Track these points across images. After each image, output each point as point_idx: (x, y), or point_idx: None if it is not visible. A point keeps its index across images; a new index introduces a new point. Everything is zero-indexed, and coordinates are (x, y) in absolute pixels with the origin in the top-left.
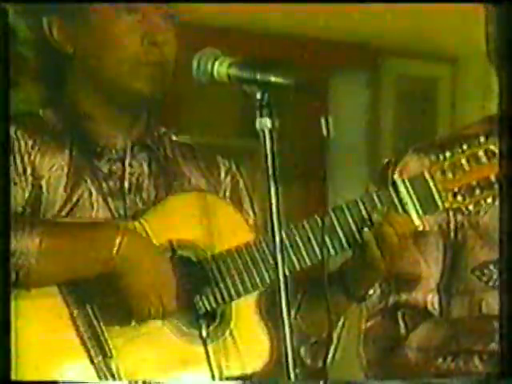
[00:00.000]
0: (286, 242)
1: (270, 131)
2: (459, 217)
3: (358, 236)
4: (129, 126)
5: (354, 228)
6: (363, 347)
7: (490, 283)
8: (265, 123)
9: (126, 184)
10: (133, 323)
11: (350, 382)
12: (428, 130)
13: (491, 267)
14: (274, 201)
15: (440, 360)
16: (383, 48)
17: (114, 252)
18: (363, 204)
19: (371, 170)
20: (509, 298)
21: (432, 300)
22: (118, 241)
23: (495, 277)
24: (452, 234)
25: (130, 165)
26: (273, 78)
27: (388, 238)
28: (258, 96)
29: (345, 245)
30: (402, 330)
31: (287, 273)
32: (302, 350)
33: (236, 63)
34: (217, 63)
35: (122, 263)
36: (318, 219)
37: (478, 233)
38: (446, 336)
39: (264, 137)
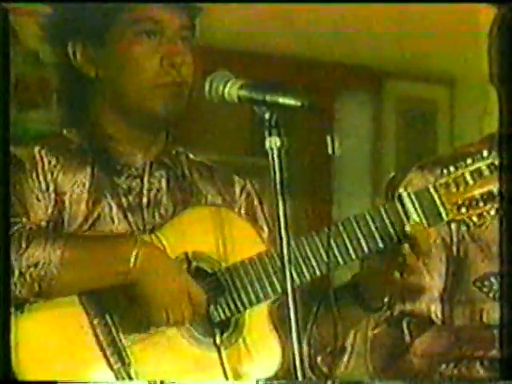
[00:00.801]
0: (297, 253)
1: (279, 149)
2: (461, 231)
3: (366, 249)
4: (147, 144)
5: (362, 240)
6: (370, 354)
7: (491, 294)
8: (274, 142)
9: (145, 200)
10: (151, 330)
11: (357, 383)
12: (428, 147)
13: (492, 279)
14: (281, 215)
15: (443, 366)
16: (385, 70)
17: (132, 264)
18: (371, 217)
19: (374, 185)
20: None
21: (435, 309)
22: (135, 253)
23: (495, 288)
24: (454, 248)
25: (149, 181)
26: (281, 99)
27: (404, 250)
28: (267, 116)
29: (353, 256)
30: (407, 338)
31: (298, 282)
32: (319, 359)
33: (246, 85)
34: (228, 85)
35: (139, 274)
36: (327, 231)
37: (478, 246)
38: (448, 343)
39: (273, 155)
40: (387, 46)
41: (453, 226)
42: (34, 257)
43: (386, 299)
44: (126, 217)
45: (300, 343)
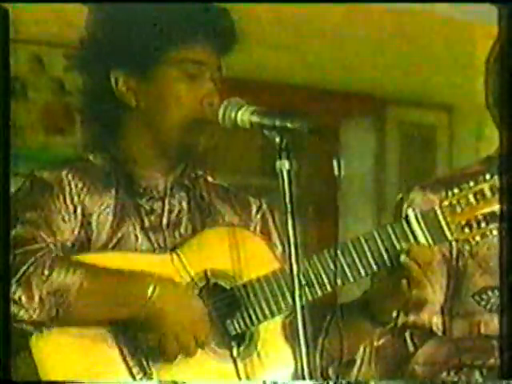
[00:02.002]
0: (309, 270)
1: (288, 171)
2: (460, 247)
3: (375, 266)
4: (169, 168)
5: (370, 258)
6: (375, 362)
7: (488, 307)
8: (283, 164)
9: (165, 220)
10: (164, 359)
11: (359, 382)
12: (428, 169)
13: (489, 293)
14: (291, 233)
15: (444, 374)
16: (387, 98)
17: (148, 297)
18: (379, 235)
19: (378, 204)
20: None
21: (436, 321)
22: (152, 287)
23: (493, 301)
24: (454, 263)
25: (169, 203)
26: (290, 125)
27: (411, 267)
28: (277, 140)
29: (362, 274)
30: (411, 348)
31: (309, 298)
32: (330, 371)
33: (257, 111)
34: (240, 111)
35: (154, 309)
36: (338, 249)
37: (477, 261)
38: (449, 353)
39: (283, 176)
40: (390, 75)
41: (453, 242)
42: (54, 284)
43: (394, 314)
44: (148, 236)
45: (309, 355)
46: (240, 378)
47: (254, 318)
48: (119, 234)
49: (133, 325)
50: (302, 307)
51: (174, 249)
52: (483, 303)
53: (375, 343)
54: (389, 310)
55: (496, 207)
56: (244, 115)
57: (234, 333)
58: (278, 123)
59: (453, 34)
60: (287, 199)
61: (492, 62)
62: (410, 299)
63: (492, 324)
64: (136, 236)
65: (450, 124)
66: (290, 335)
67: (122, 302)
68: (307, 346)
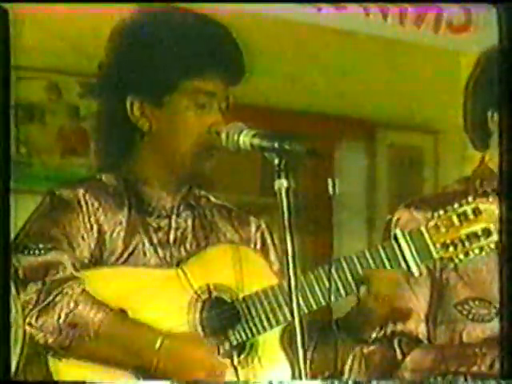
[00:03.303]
0: (304, 284)
1: (287, 190)
2: (444, 261)
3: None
4: (176, 188)
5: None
6: (365, 370)
7: (470, 316)
8: (282, 184)
9: (172, 236)
10: None
11: (355, 382)
12: (415, 188)
13: (470, 303)
14: (289, 250)
15: (431, 380)
16: (377, 122)
17: (157, 348)
18: (370, 254)
19: (369, 222)
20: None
21: (422, 329)
22: (160, 340)
23: (474, 311)
24: (438, 275)
25: (176, 221)
26: (288, 147)
27: (380, 291)
28: (276, 161)
29: (354, 289)
30: (399, 355)
31: (306, 311)
32: (318, 382)
33: (258, 134)
34: (242, 135)
35: (162, 360)
36: (332, 266)
37: (459, 274)
38: (435, 360)
39: (281, 194)
40: (380, 101)
41: (437, 261)
42: (76, 318)
43: (373, 332)
44: (156, 252)
45: (306, 361)
46: None
47: (253, 329)
48: (130, 250)
49: (142, 371)
50: (301, 319)
51: (179, 264)
52: (465, 313)
53: (365, 350)
54: (367, 329)
55: (478, 228)
56: (245, 138)
57: (235, 343)
58: (276, 145)
59: (438, 63)
60: (285, 216)
61: (470, 89)
62: (379, 320)
63: (474, 333)
64: (145, 252)
65: (435, 146)
66: (288, 345)
67: (133, 351)
68: (305, 355)
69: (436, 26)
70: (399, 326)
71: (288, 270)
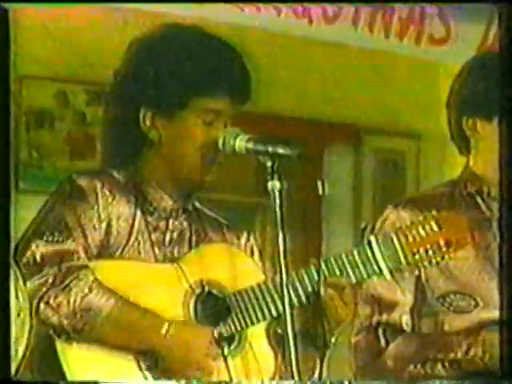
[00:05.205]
0: (295, 280)
1: (279, 191)
2: (411, 267)
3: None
4: (177, 196)
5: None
6: (353, 356)
7: (451, 308)
8: (275, 185)
9: (168, 237)
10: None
11: (348, 382)
12: (399, 190)
13: (451, 296)
14: (281, 247)
15: (412, 367)
16: (364, 127)
17: (163, 334)
18: (347, 258)
19: (355, 222)
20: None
21: (406, 320)
22: (166, 325)
23: (454, 304)
24: (422, 270)
25: (173, 224)
26: (280, 150)
27: (332, 298)
28: (269, 164)
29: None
30: (383, 344)
31: (295, 303)
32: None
33: (252, 139)
34: (237, 139)
35: (168, 345)
36: (312, 267)
37: (440, 269)
38: (415, 348)
39: (274, 195)
40: (366, 108)
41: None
42: (90, 303)
43: (332, 337)
44: (153, 249)
45: (297, 351)
46: (230, 374)
47: (242, 322)
48: (130, 244)
49: (147, 357)
50: (292, 311)
51: (174, 261)
52: (446, 305)
53: (352, 338)
54: (325, 335)
55: (440, 239)
56: (241, 142)
57: (224, 335)
58: (270, 149)
59: (419, 72)
60: (278, 215)
61: (452, 103)
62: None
63: (454, 323)
64: (143, 248)
65: (417, 150)
66: (273, 338)
67: (140, 338)
68: (295, 343)
69: (418, 38)
70: (384, 317)
71: (280, 265)
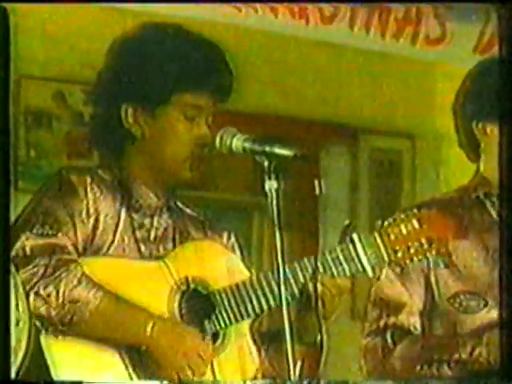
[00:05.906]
0: (288, 275)
1: (276, 190)
2: (391, 264)
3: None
4: (162, 193)
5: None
6: (363, 357)
7: (461, 309)
8: (272, 184)
9: (152, 234)
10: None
11: (354, 382)
12: (394, 189)
13: (461, 296)
14: (278, 244)
15: (418, 367)
16: (360, 127)
17: (148, 332)
18: (330, 255)
19: (351, 219)
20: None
21: (414, 322)
22: (151, 323)
23: (464, 304)
24: (431, 273)
25: (158, 221)
26: (277, 150)
27: (323, 296)
28: (266, 164)
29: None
30: (390, 345)
31: (289, 297)
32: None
33: (249, 139)
34: (235, 139)
35: (155, 342)
36: (306, 261)
37: (449, 270)
38: (421, 349)
39: (271, 195)
40: (362, 108)
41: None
42: (78, 295)
43: (318, 335)
44: (138, 246)
45: (293, 347)
46: (214, 371)
47: (226, 319)
48: (115, 242)
49: (133, 352)
50: (288, 306)
51: (159, 258)
52: (456, 306)
53: (362, 340)
54: (311, 332)
55: (421, 237)
56: (238, 142)
57: (209, 332)
58: (267, 149)
59: (415, 73)
60: (275, 213)
61: (458, 109)
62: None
63: (465, 324)
64: (129, 246)
65: (413, 150)
66: (257, 335)
67: (126, 333)
68: (292, 339)
69: (414, 38)
70: (392, 319)
71: (277, 262)
